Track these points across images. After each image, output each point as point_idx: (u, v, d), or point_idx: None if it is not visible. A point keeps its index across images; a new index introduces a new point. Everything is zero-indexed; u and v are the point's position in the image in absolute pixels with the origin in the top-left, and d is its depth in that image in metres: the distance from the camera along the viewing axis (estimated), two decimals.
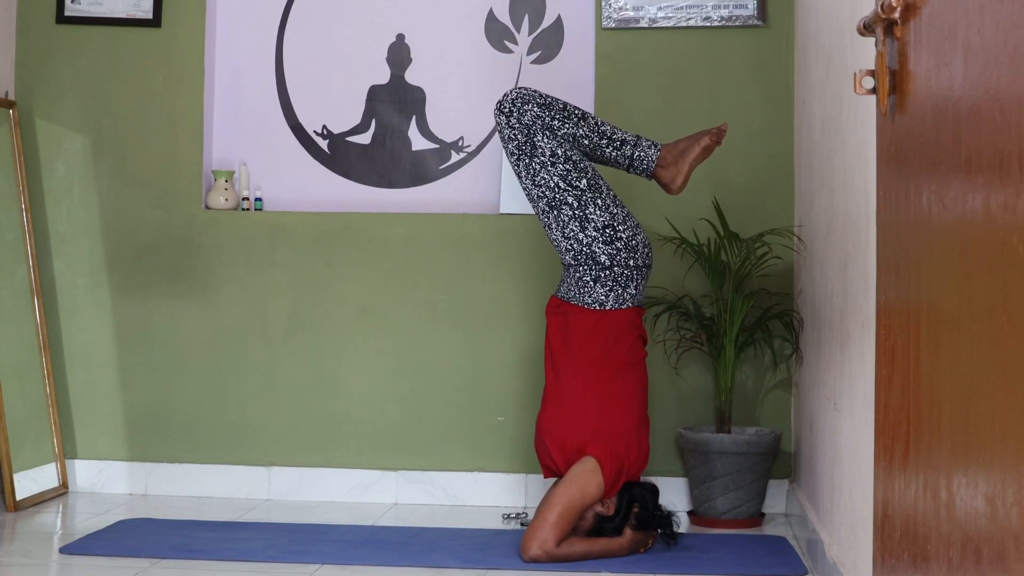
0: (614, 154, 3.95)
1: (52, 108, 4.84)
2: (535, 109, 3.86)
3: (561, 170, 3.85)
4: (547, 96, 3.91)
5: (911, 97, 1.94)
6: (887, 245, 2.15)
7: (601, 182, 3.90)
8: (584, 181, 3.86)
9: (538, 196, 3.88)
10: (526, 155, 3.86)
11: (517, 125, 3.85)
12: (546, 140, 3.85)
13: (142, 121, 4.84)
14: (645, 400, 3.92)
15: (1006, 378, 1.42)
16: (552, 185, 3.85)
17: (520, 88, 3.91)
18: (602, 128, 3.94)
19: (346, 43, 4.92)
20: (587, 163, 3.91)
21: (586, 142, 3.92)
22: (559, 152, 3.86)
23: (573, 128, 3.90)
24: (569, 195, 3.85)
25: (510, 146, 3.89)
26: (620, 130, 3.97)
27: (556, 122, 3.88)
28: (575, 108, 3.94)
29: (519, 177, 3.92)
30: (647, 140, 3.98)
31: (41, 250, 4.80)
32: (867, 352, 2.83)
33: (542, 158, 3.85)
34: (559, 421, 3.85)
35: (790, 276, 4.58)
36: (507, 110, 3.87)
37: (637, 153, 3.95)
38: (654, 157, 3.96)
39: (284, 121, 4.92)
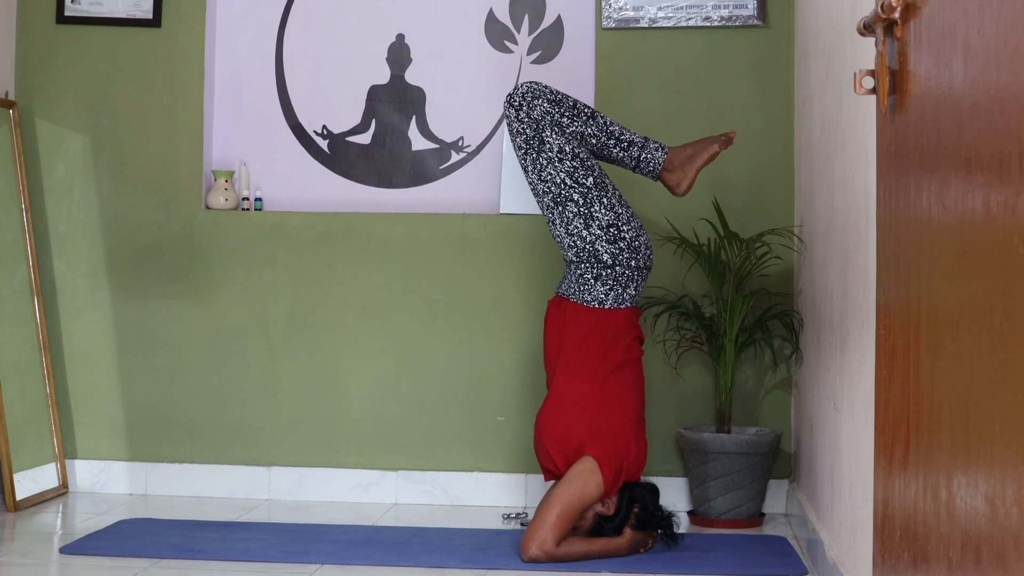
0: (621, 155, 3.96)
1: (52, 108, 4.84)
2: (545, 104, 3.86)
3: (568, 167, 3.85)
4: (557, 92, 3.91)
5: (911, 97, 1.94)
6: (887, 245, 2.15)
7: (607, 181, 3.90)
8: (591, 179, 3.86)
9: (544, 191, 3.88)
10: (533, 149, 3.86)
11: (526, 119, 3.85)
12: (554, 136, 3.85)
13: (142, 121, 4.84)
14: (642, 399, 3.92)
15: (1006, 378, 1.42)
16: (558, 181, 3.85)
17: (531, 82, 3.91)
18: (610, 128, 3.94)
19: (346, 43, 4.92)
20: (594, 161, 3.91)
21: (593, 141, 3.92)
22: (567, 149, 3.86)
23: (582, 126, 3.90)
24: (575, 192, 3.85)
25: (518, 140, 3.89)
26: (628, 131, 3.97)
27: (565, 119, 3.88)
28: (584, 106, 3.94)
29: (525, 171, 3.91)
30: (655, 142, 3.98)
31: (41, 250, 4.80)
32: (867, 352, 2.83)
33: (549, 153, 3.85)
34: (557, 421, 3.85)
35: (790, 276, 4.58)
36: (517, 104, 3.87)
37: (644, 155, 3.96)
38: (660, 160, 3.96)
39: (284, 121, 4.92)
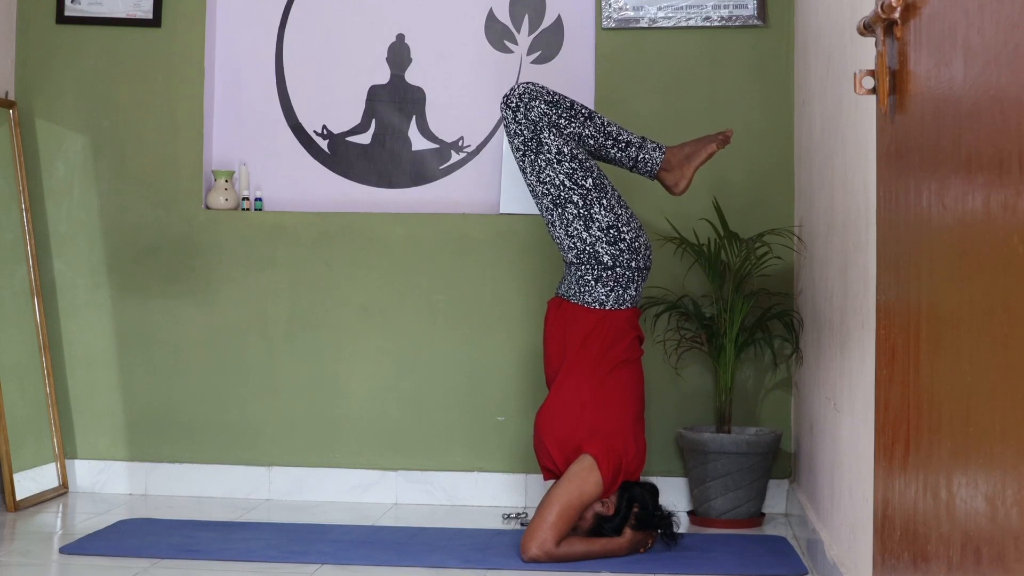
0: (619, 155, 3.95)
1: (52, 108, 4.84)
2: (542, 106, 3.85)
3: (567, 168, 3.84)
4: (555, 93, 3.90)
5: (911, 97, 1.94)
6: (887, 245, 2.15)
7: (606, 182, 3.90)
8: (590, 180, 3.86)
9: (543, 193, 3.88)
10: (532, 151, 3.85)
11: (524, 121, 3.85)
12: (553, 137, 3.84)
13: (142, 121, 4.84)
14: (642, 398, 3.92)
15: (1006, 378, 1.42)
16: (558, 183, 3.84)
17: (528, 83, 3.90)
18: (608, 128, 3.94)
19: (346, 43, 4.92)
20: (592, 162, 3.91)
21: (591, 142, 3.92)
22: (565, 150, 3.85)
23: (579, 127, 3.89)
24: (574, 194, 3.84)
25: (516, 141, 3.88)
26: (626, 131, 3.97)
27: (563, 120, 3.87)
28: (582, 107, 3.93)
29: (523, 173, 3.91)
30: (652, 142, 3.97)
31: (41, 250, 4.80)
32: (867, 352, 2.83)
33: (548, 155, 3.84)
34: (557, 420, 3.85)
35: (790, 276, 4.58)
36: (514, 105, 3.86)
37: (642, 155, 3.95)
38: (658, 160, 3.95)
39: (284, 121, 4.92)
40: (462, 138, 4.88)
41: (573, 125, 3.88)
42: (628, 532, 3.79)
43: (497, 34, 4.87)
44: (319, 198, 4.90)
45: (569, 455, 3.82)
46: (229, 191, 4.83)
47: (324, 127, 4.92)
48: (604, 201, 3.85)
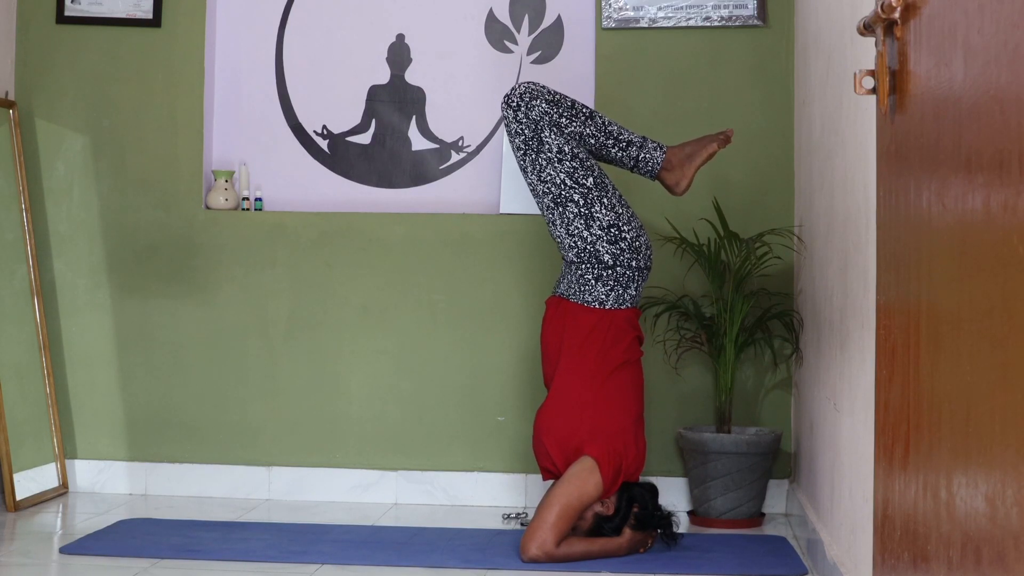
0: (619, 155, 3.95)
1: (52, 108, 4.84)
2: (543, 105, 3.85)
3: (568, 167, 3.84)
4: (555, 92, 3.91)
5: (911, 97, 1.94)
6: (887, 245, 2.15)
7: (607, 181, 3.90)
8: (591, 179, 3.86)
9: (543, 192, 3.88)
10: (532, 150, 3.85)
11: (525, 120, 3.85)
12: (553, 136, 3.84)
13: (142, 121, 4.84)
14: (641, 399, 3.92)
15: (1006, 378, 1.42)
16: (558, 182, 3.84)
17: (529, 83, 3.90)
18: (609, 128, 3.94)
19: (346, 43, 4.92)
20: (593, 161, 3.91)
21: (592, 141, 3.92)
22: (566, 149, 3.85)
23: (580, 127, 3.89)
24: (575, 193, 3.84)
25: (516, 140, 3.88)
26: (627, 131, 3.97)
27: (564, 119, 3.87)
28: (583, 106, 3.93)
29: (524, 172, 3.91)
30: (653, 142, 3.97)
31: (41, 250, 4.80)
32: (867, 352, 2.84)
33: (549, 154, 3.84)
34: (557, 420, 3.85)
35: (790, 276, 4.58)
36: (515, 104, 3.86)
37: (643, 155, 3.95)
38: (659, 160, 3.95)
39: (284, 121, 4.92)
40: (462, 138, 4.88)
41: (574, 124, 3.88)
42: (628, 532, 3.79)
43: (497, 34, 4.87)
44: (319, 198, 4.90)
45: (569, 456, 3.82)
46: (229, 191, 4.83)
47: (324, 127, 4.92)
48: (605, 200, 3.85)
